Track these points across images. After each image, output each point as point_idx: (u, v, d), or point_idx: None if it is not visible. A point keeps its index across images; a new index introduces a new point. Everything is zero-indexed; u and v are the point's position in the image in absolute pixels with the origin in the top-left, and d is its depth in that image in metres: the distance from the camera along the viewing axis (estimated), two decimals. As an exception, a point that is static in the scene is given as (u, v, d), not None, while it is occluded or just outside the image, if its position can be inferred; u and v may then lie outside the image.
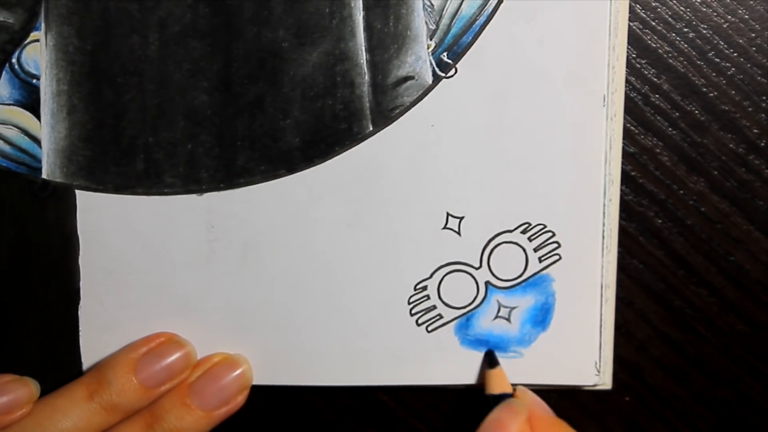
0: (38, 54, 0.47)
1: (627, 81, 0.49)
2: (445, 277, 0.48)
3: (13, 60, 0.47)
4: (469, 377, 0.49)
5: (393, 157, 0.47)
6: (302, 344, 0.48)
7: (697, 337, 0.51)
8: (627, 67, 0.49)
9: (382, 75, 0.47)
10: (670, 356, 0.51)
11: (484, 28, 0.46)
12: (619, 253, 0.49)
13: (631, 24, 0.49)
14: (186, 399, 0.46)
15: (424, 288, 0.48)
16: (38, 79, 0.47)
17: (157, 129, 0.47)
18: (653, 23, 0.49)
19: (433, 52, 0.47)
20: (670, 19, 0.49)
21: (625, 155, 0.49)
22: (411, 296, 0.48)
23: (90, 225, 0.48)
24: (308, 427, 0.51)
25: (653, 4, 0.49)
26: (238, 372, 0.47)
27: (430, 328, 0.48)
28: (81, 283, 0.48)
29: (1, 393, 0.45)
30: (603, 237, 0.48)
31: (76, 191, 0.47)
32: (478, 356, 0.48)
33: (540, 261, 0.48)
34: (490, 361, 0.48)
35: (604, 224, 0.48)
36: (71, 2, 0.46)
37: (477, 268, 0.48)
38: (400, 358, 0.48)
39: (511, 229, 0.48)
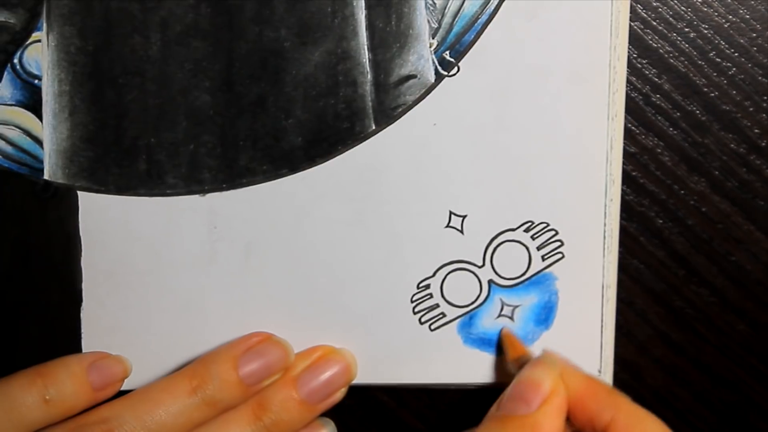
0: (40, 54, 0.47)
1: (628, 81, 0.49)
2: (448, 276, 0.48)
3: (15, 60, 0.47)
4: (472, 376, 0.49)
5: (396, 156, 0.47)
6: (305, 344, 0.48)
7: (697, 337, 0.51)
8: (628, 67, 0.49)
9: (385, 74, 0.47)
10: (670, 356, 0.51)
11: (486, 27, 0.46)
12: (620, 253, 0.49)
13: (632, 24, 0.49)
14: (293, 392, 0.46)
15: (427, 286, 0.48)
16: (40, 79, 0.47)
17: (159, 129, 0.47)
18: (654, 23, 0.49)
19: (436, 51, 0.47)
20: (671, 19, 0.49)
21: (626, 155, 0.49)
22: (414, 295, 0.48)
23: (92, 226, 0.48)
24: (310, 428, 0.51)
25: (654, 3, 0.49)
26: (344, 366, 0.48)
27: (433, 327, 0.48)
28: (83, 284, 0.48)
29: (99, 368, 0.46)
30: (604, 237, 0.48)
31: (78, 192, 0.47)
32: (481, 355, 0.48)
33: (543, 259, 0.48)
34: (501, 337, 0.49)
35: (605, 224, 0.48)
36: (73, 2, 0.46)
37: (480, 267, 0.48)
38: (402, 357, 0.48)
39: (514, 227, 0.48)
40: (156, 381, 0.46)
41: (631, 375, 0.51)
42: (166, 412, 0.45)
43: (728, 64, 0.49)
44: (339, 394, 0.48)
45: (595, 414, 0.42)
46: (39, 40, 0.47)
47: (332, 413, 0.50)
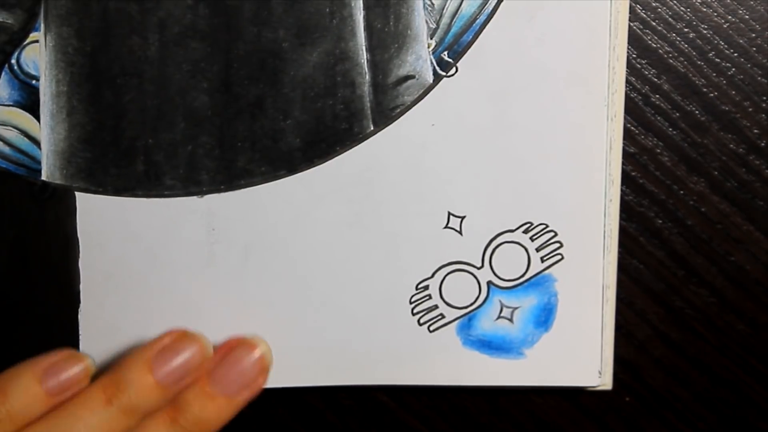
0: (38, 55, 0.47)
1: (627, 81, 0.49)
2: (447, 277, 0.48)
3: (13, 61, 0.47)
4: (471, 378, 0.48)
5: (394, 157, 0.47)
6: (303, 345, 0.48)
7: (697, 337, 0.51)
8: (627, 68, 0.49)
9: (383, 74, 0.47)
10: (670, 356, 0.51)
11: (484, 27, 0.46)
12: (620, 253, 0.49)
13: (631, 24, 0.49)
14: (207, 387, 0.45)
15: (426, 288, 0.48)
16: (38, 80, 0.47)
17: (157, 130, 0.47)
18: (653, 23, 0.49)
19: (434, 51, 0.47)
20: (670, 19, 0.49)
21: (626, 155, 0.49)
22: (412, 296, 0.48)
23: (90, 227, 0.48)
24: (309, 428, 0.51)
25: (653, 4, 0.49)
26: (257, 354, 0.46)
27: (431, 328, 0.48)
28: (81, 285, 0.48)
29: (54, 373, 0.45)
30: (604, 237, 0.48)
31: (76, 193, 0.47)
32: (480, 357, 0.48)
33: (542, 261, 0.48)
34: None
35: (604, 224, 0.48)
36: (71, 3, 0.46)
37: (479, 268, 0.48)
38: (401, 358, 0.48)
39: (513, 228, 0.48)
40: (73, 396, 0.45)
41: (631, 375, 0.51)
42: (85, 427, 0.43)
43: (727, 64, 0.49)
44: (260, 381, 0.46)
45: None
46: (37, 41, 0.47)
47: (331, 413, 0.50)
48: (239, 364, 0.46)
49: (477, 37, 0.46)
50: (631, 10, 0.49)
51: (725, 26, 0.49)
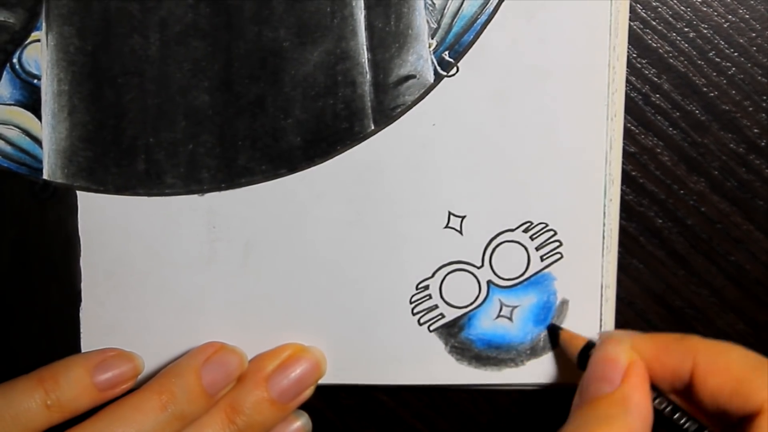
0: (39, 54, 0.47)
1: (627, 81, 0.49)
2: (447, 277, 0.48)
3: (14, 60, 0.47)
4: (470, 377, 0.49)
5: (394, 156, 0.47)
6: (303, 344, 0.48)
7: (697, 337, 0.51)
8: (627, 67, 0.48)
9: (384, 74, 0.47)
10: (670, 356, 0.51)
11: (485, 27, 0.46)
12: (620, 252, 0.49)
13: (631, 24, 0.49)
14: (265, 392, 0.46)
15: (426, 287, 0.48)
16: (39, 79, 0.47)
17: (158, 129, 0.47)
18: (654, 23, 0.49)
19: (435, 51, 0.47)
20: (670, 18, 0.49)
21: (626, 155, 0.49)
22: (413, 295, 0.48)
23: (91, 226, 0.48)
24: (309, 428, 0.51)
25: (654, 3, 0.49)
26: (314, 364, 0.48)
27: (431, 328, 0.48)
28: (82, 284, 0.48)
29: (105, 368, 0.46)
30: (603, 237, 0.48)
31: (77, 192, 0.47)
32: (480, 355, 0.49)
33: (542, 260, 0.48)
34: (552, 333, 0.48)
35: (604, 224, 0.48)
36: (72, 2, 0.46)
37: (479, 267, 0.48)
38: (401, 358, 0.48)
39: (513, 228, 0.48)
40: (123, 398, 0.46)
41: (631, 374, 0.51)
42: (138, 431, 0.44)
43: (728, 63, 0.49)
44: (308, 392, 0.48)
45: (676, 367, 0.42)
46: (38, 40, 0.47)
47: (332, 412, 0.50)
48: (297, 372, 0.47)
49: (478, 37, 0.47)
50: (632, 10, 0.49)
51: (725, 26, 0.49)
